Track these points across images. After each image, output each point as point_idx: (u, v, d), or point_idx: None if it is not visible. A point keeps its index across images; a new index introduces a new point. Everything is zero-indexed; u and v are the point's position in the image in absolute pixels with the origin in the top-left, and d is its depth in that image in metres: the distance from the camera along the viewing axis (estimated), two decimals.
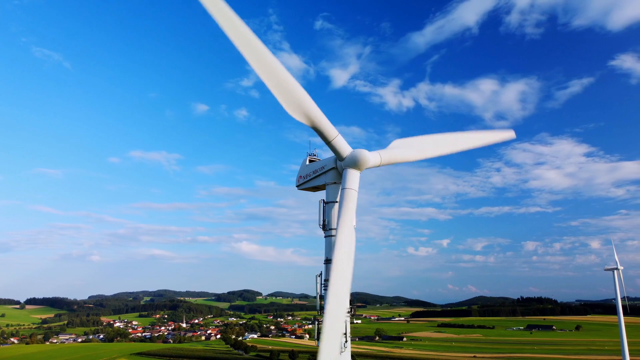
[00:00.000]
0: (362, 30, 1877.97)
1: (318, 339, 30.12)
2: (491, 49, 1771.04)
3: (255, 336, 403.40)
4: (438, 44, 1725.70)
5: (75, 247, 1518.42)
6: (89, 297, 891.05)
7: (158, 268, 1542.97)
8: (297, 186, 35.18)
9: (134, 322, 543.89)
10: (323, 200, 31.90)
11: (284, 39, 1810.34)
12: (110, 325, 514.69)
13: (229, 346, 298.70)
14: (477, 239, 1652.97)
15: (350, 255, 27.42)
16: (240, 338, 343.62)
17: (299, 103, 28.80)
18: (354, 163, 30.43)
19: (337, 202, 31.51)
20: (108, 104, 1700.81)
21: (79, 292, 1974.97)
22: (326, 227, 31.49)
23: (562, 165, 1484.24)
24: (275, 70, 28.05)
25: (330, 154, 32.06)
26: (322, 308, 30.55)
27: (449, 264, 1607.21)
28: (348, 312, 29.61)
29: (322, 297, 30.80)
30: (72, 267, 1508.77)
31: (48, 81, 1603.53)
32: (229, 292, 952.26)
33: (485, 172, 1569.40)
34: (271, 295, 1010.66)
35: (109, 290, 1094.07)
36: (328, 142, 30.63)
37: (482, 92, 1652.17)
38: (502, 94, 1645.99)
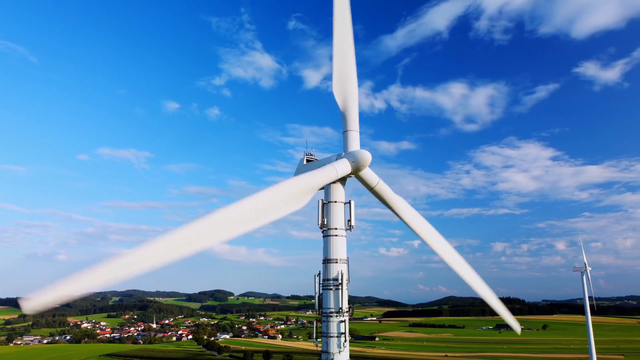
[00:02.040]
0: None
1: (316, 338, 30.30)
2: (461, 53, 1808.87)
3: (228, 337, 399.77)
4: (409, 48, 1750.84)
5: (42, 246, 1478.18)
6: None
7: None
8: None
9: (102, 323, 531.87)
10: (322, 200, 31.89)
11: (257, 38, 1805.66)
12: (77, 326, 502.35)
13: (201, 347, 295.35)
14: (447, 239, 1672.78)
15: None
16: (212, 338, 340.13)
17: (346, 86, 32.59)
18: (355, 159, 30.79)
19: (337, 202, 31.57)
20: (76, 100, 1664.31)
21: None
22: (325, 226, 31.46)
23: (529, 168, 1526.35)
24: (347, 52, 32.96)
25: (328, 154, 32.25)
26: (320, 307, 30.68)
27: (420, 265, 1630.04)
28: (346, 311, 29.84)
29: (321, 297, 30.86)
30: (38, 266, 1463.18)
31: (12, 75, 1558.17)
32: (200, 292, 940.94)
33: (455, 174, 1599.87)
34: (243, 295, 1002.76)
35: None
36: (344, 131, 32.68)
37: (452, 95, 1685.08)
38: (471, 98, 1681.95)
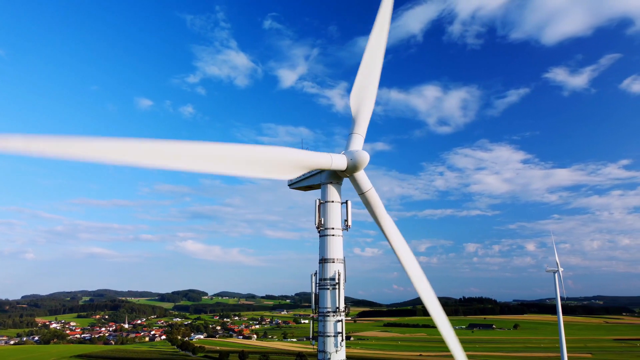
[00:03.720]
0: (310, 32, 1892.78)
1: (313, 338, 30.34)
2: (435, 56, 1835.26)
3: (202, 337, 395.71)
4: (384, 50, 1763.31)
5: (7, 244, 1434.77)
6: (22, 297, 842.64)
7: (98, 267, 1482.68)
8: (289, 185, 34.90)
9: (71, 323, 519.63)
10: (319, 199, 31.95)
11: (232, 36, 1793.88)
12: (46, 326, 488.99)
13: (175, 347, 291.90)
14: (420, 240, 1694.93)
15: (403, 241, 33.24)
16: (186, 339, 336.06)
17: (365, 96, 33.21)
18: (352, 157, 31.00)
19: (333, 201, 31.67)
20: (45, 94, 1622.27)
21: (11, 291, 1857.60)
22: (322, 226, 31.54)
23: (501, 170, 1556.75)
24: (376, 60, 34.01)
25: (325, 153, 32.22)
26: (317, 307, 30.74)
27: (394, 265, 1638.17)
28: (342, 311, 29.99)
29: (317, 296, 30.91)
30: (4, 265, 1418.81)
31: None
32: (173, 292, 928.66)
33: (429, 176, 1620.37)
34: (217, 295, 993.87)
35: (44, 290, 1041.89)
36: (350, 133, 33.06)
37: (426, 98, 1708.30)
38: (444, 101, 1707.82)
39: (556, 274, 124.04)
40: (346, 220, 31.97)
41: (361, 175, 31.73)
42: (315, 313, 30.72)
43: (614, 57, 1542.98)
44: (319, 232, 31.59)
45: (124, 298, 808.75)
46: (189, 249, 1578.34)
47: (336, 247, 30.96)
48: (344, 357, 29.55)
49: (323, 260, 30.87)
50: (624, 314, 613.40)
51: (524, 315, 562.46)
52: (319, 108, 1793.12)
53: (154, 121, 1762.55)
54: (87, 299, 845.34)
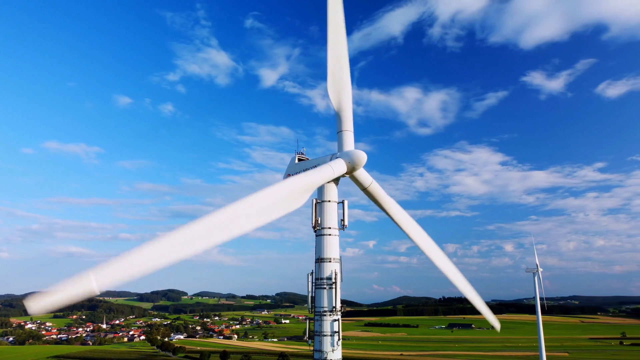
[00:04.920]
0: (291, 31, 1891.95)
1: (310, 337, 30.34)
2: (415, 58, 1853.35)
3: (182, 337, 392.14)
4: (365, 51, 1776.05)
5: None
6: None
7: (75, 266, 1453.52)
8: None
9: (47, 324, 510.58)
10: (316, 199, 31.93)
11: (212, 35, 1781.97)
12: (20, 326, 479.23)
13: (155, 347, 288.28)
14: (401, 240, 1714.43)
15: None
16: (166, 339, 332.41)
17: (341, 87, 32.30)
18: (350, 159, 30.92)
19: (330, 201, 31.68)
20: (20, 90, 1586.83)
21: None
22: (318, 226, 31.53)
23: (480, 172, 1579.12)
24: (342, 54, 32.78)
25: (322, 153, 32.34)
26: (313, 306, 30.73)
27: (375, 265, 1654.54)
28: (339, 310, 30.04)
29: (314, 297, 30.89)
30: None
31: None
32: (152, 292, 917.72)
33: (410, 177, 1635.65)
34: (197, 295, 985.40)
35: (19, 290, 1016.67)
36: (338, 131, 32.54)
37: (407, 99, 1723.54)
38: (425, 102, 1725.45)
39: (536, 275, 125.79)
40: (342, 220, 32.04)
41: (361, 173, 31.81)
42: (312, 312, 30.73)
43: (590, 62, 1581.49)
44: (315, 231, 31.61)
45: (101, 298, 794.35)
46: None
47: (333, 246, 31.02)
48: (340, 357, 29.63)
49: (319, 260, 30.89)
50: (599, 313, 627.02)
51: (502, 315, 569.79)
52: (300, 108, 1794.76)
53: (133, 119, 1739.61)
54: None
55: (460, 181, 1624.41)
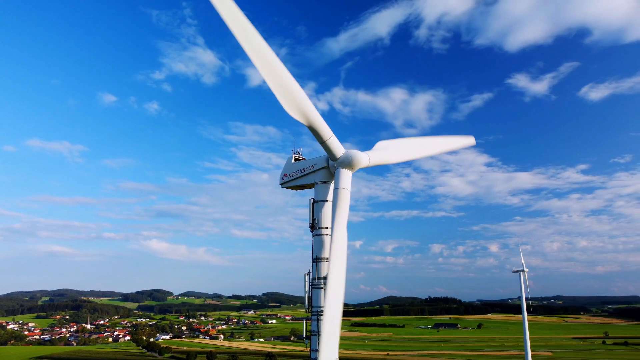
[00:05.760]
0: (278, 31, 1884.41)
1: (307, 337, 30.30)
2: (401, 59, 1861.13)
3: (168, 337, 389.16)
4: (352, 51, 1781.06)
5: None
6: None
7: (58, 266, 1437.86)
8: (281, 184, 34.72)
9: (30, 324, 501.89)
10: (313, 199, 31.88)
11: (199, 33, 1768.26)
12: (2, 327, 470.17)
13: (140, 348, 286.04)
14: (387, 240, 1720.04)
15: (344, 254, 27.78)
16: (152, 339, 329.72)
17: (299, 103, 28.61)
18: (348, 163, 30.64)
19: (327, 201, 31.66)
20: (4, 88, 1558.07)
21: None
22: (315, 226, 31.49)
23: (466, 173, 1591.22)
24: (279, 72, 27.82)
25: (318, 153, 32.21)
26: (310, 306, 30.71)
27: (361, 265, 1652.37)
28: None
29: (311, 296, 30.85)
30: None
31: None
32: (137, 292, 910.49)
33: (396, 177, 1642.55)
34: (183, 295, 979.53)
35: (1, 290, 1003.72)
36: (322, 142, 30.52)
37: (393, 100, 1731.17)
38: (411, 103, 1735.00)
39: (521, 275, 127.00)
40: None
41: (348, 175, 30.90)
42: (309, 312, 30.69)
43: (573, 65, 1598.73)
44: (312, 231, 31.57)
45: (85, 298, 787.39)
46: (154, 247, 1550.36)
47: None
48: (337, 356, 29.56)
49: (317, 260, 30.87)
50: (582, 313, 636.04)
51: (487, 315, 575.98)
52: None
53: (117, 117, 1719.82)
54: (46, 298, 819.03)
55: (446, 182, 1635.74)
